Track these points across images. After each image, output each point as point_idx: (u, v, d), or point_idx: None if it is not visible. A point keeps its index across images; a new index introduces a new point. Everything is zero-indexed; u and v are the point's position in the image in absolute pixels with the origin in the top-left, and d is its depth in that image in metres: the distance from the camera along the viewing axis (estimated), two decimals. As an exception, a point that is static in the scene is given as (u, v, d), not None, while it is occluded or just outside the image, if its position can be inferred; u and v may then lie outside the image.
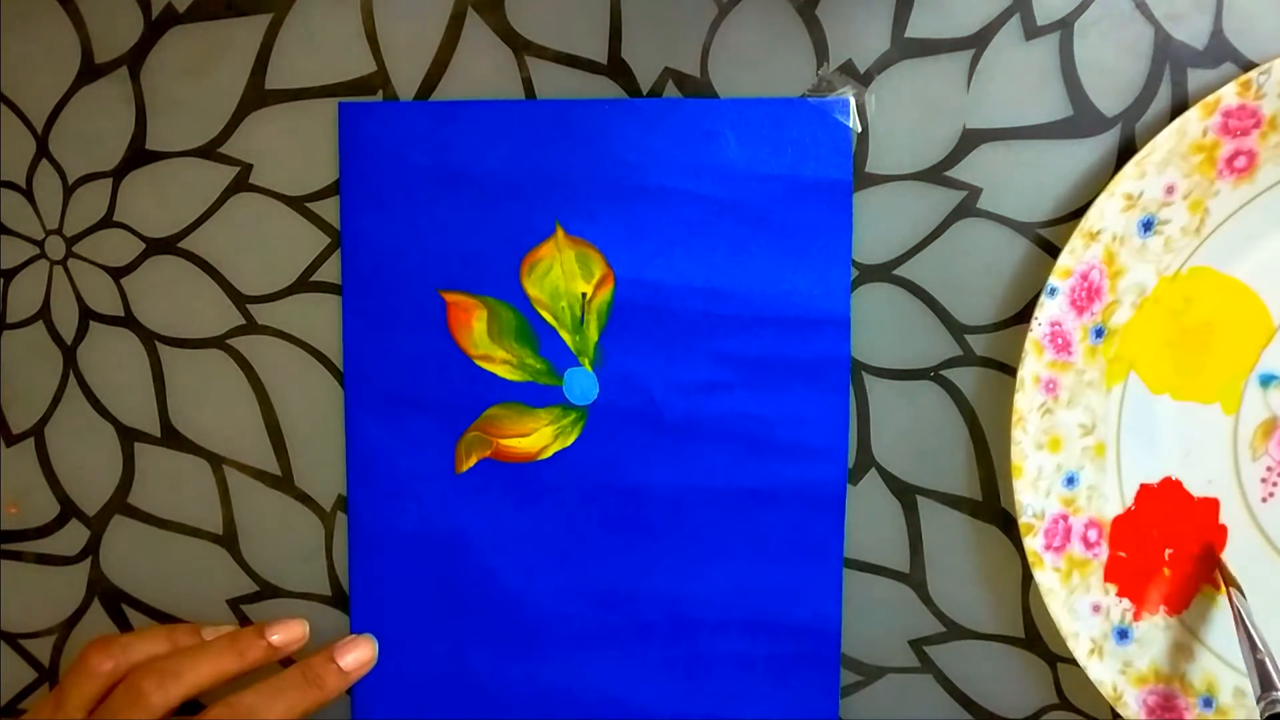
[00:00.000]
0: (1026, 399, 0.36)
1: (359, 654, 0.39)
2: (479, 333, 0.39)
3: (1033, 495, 0.36)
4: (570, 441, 0.39)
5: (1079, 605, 0.37)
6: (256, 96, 0.39)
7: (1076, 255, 0.35)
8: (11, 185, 0.41)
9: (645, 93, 0.38)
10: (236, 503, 0.41)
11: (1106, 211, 0.35)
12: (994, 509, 0.39)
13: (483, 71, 0.38)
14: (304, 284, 0.40)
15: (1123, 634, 0.37)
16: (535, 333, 0.38)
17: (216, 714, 0.36)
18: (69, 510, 0.42)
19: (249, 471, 0.41)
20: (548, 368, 0.38)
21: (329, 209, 0.39)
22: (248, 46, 0.39)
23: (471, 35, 0.38)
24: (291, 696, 0.37)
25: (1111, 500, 0.37)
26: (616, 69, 0.38)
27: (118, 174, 0.40)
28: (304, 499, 0.41)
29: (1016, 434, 0.36)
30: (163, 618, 0.42)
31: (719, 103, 0.37)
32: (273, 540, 0.41)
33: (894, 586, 0.39)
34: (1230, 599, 0.35)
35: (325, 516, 0.41)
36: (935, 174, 0.37)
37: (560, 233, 0.38)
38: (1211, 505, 0.38)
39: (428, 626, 0.40)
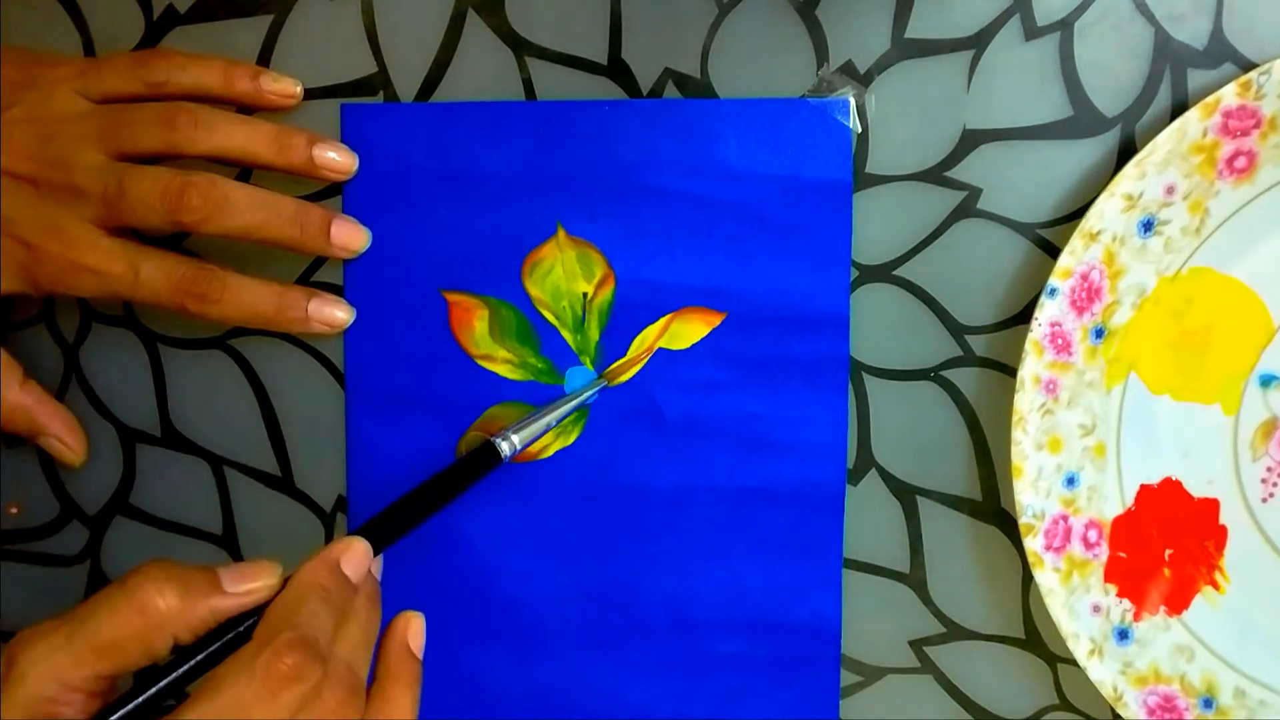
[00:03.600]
0: (1026, 399, 0.36)
1: (355, 234, 0.38)
2: (480, 332, 0.39)
3: (1033, 495, 0.36)
4: (570, 441, 0.39)
5: (1079, 605, 0.37)
6: (257, 97, 0.39)
7: (1076, 256, 0.35)
8: (12, 185, 0.41)
9: (645, 93, 0.38)
10: (236, 503, 0.41)
11: (1106, 212, 0.35)
12: (994, 509, 0.39)
13: (483, 72, 0.38)
14: (305, 284, 0.40)
15: (1123, 634, 0.37)
16: (537, 332, 0.38)
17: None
18: (69, 510, 0.42)
19: (249, 471, 0.41)
20: (549, 367, 0.39)
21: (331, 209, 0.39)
22: (248, 47, 0.39)
23: (471, 36, 0.38)
24: (280, 224, 0.36)
25: (1111, 500, 0.37)
26: (616, 69, 0.38)
27: (118, 174, 0.40)
28: (304, 499, 0.41)
29: (1016, 434, 0.36)
30: (163, 618, 0.42)
31: (719, 103, 0.37)
32: (273, 540, 0.41)
33: (894, 586, 0.39)
34: None
35: (325, 516, 0.41)
36: (935, 174, 0.37)
37: (561, 233, 0.38)
38: (1211, 505, 0.38)
39: (427, 626, 0.40)
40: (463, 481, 0.35)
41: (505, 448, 0.36)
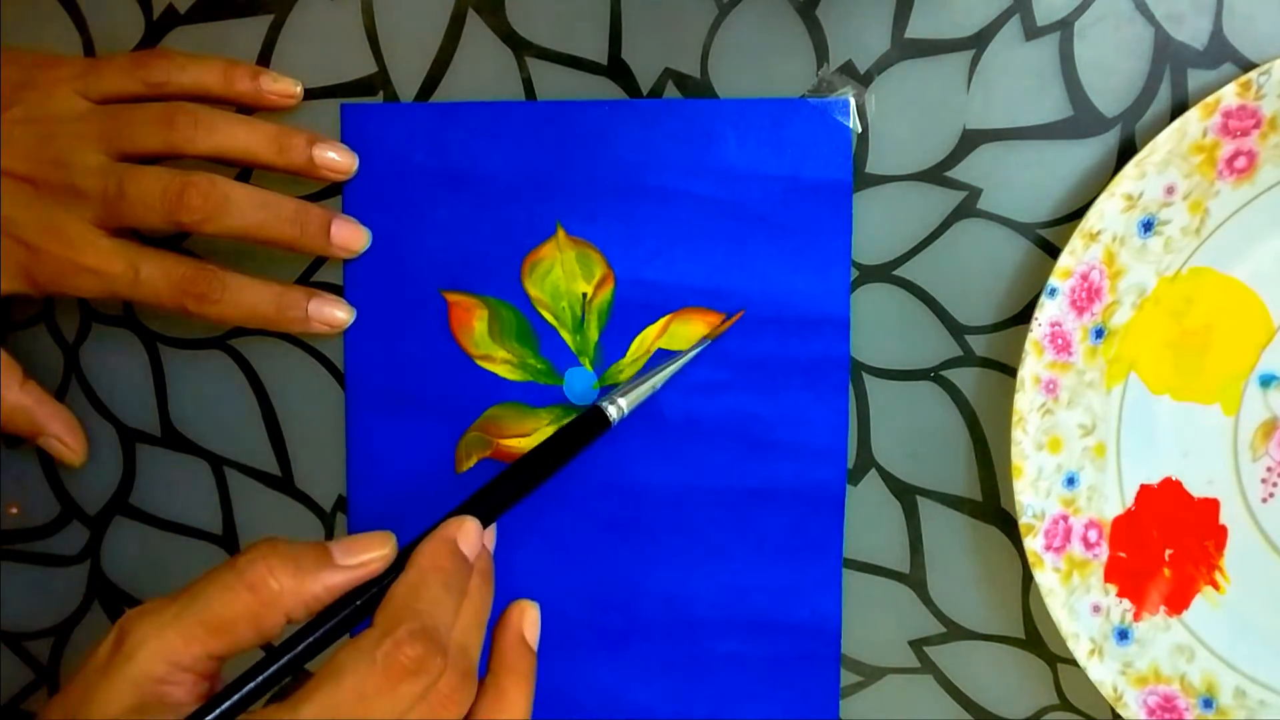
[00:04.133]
0: (1026, 399, 0.36)
1: (355, 234, 0.38)
2: (480, 333, 0.39)
3: (1033, 496, 0.36)
4: (570, 441, 0.39)
5: (1079, 606, 0.37)
6: (257, 97, 0.39)
7: (1076, 255, 0.35)
8: (12, 185, 0.41)
9: (645, 93, 0.38)
10: (236, 503, 0.41)
11: (1106, 212, 0.35)
12: (994, 509, 0.39)
13: (483, 72, 0.38)
14: (305, 284, 0.40)
15: (1123, 634, 0.37)
16: (536, 333, 0.38)
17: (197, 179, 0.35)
18: (69, 510, 0.42)
19: (249, 471, 0.41)
20: (548, 368, 0.39)
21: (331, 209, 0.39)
22: (248, 47, 0.39)
23: (471, 36, 0.38)
24: (280, 224, 0.36)
25: (1111, 500, 0.37)
26: (616, 69, 0.38)
27: (118, 174, 0.40)
28: (304, 499, 0.41)
29: (1016, 434, 0.36)
30: (163, 618, 0.42)
31: (719, 103, 0.37)
32: (273, 540, 0.41)
33: (894, 586, 0.39)
34: None
35: (325, 516, 0.41)
36: (935, 174, 0.37)
37: (561, 233, 0.38)
38: (1211, 505, 0.38)
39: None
40: (570, 448, 0.35)
41: (613, 412, 0.35)
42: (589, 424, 0.35)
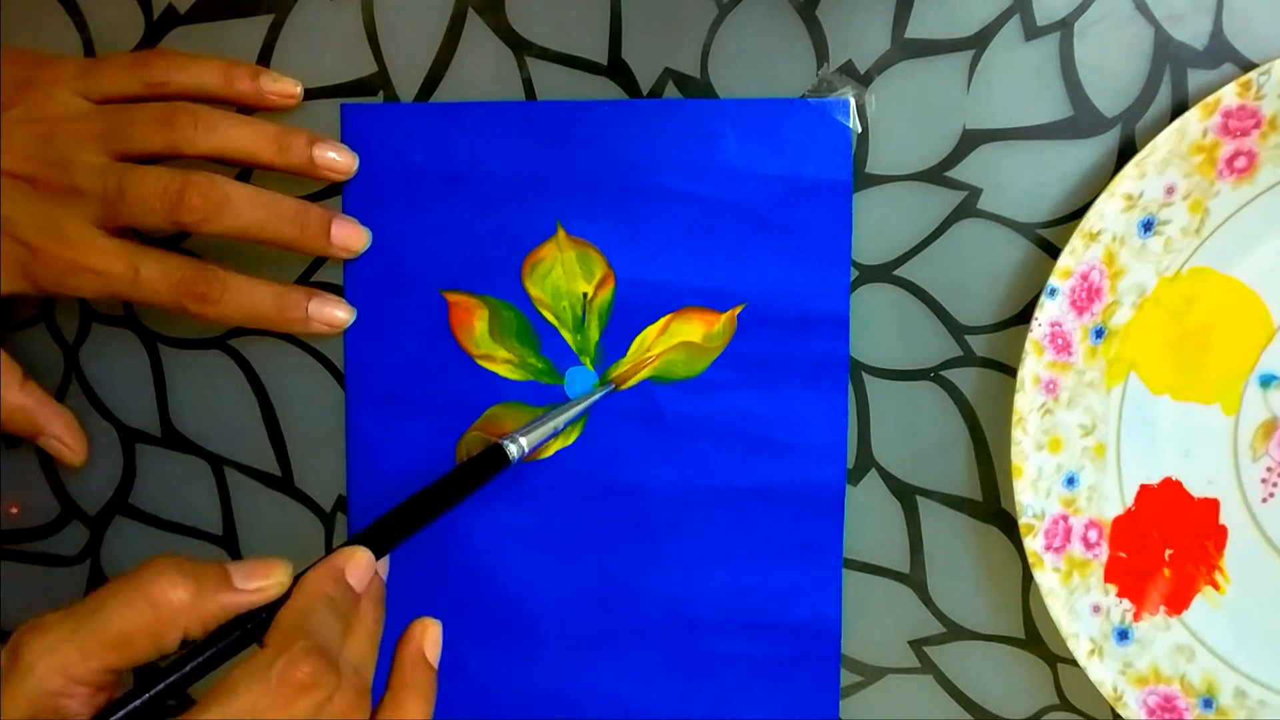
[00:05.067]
0: (1026, 399, 0.36)
1: (355, 234, 0.38)
2: (480, 333, 0.39)
3: (1033, 495, 0.36)
4: (570, 441, 0.39)
5: (1079, 606, 0.37)
6: (257, 97, 0.39)
7: (1076, 255, 0.35)
8: (12, 185, 0.41)
9: (645, 93, 0.38)
10: (236, 503, 0.41)
11: (1106, 212, 0.35)
12: (994, 509, 0.39)
13: (483, 72, 0.38)
14: (305, 284, 0.40)
15: (1123, 634, 0.37)
16: (537, 332, 0.38)
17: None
18: (69, 510, 0.42)
19: (249, 471, 0.41)
20: (549, 367, 0.39)
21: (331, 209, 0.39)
22: (248, 47, 0.39)
23: (471, 36, 0.38)
24: (280, 224, 0.36)
25: (1111, 501, 0.37)
26: (616, 69, 0.38)
27: (118, 174, 0.40)
28: (304, 499, 0.41)
29: (1016, 434, 0.36)
30: (163, 618, 0.42)
31: (719, 103, 0.37)
32: (273, 540, 0.41)
33: (894, 586, 0.39)
34: None
35: (325, 516, 0.41)
36: (935, 174, 0.37)
37: (561, 233, 0.38)
38: (1211, 505, 0.38)
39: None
40: (470, 484, 0.35)
41: (514, 450, 0.35)
42: (488, 461, 0.35)
